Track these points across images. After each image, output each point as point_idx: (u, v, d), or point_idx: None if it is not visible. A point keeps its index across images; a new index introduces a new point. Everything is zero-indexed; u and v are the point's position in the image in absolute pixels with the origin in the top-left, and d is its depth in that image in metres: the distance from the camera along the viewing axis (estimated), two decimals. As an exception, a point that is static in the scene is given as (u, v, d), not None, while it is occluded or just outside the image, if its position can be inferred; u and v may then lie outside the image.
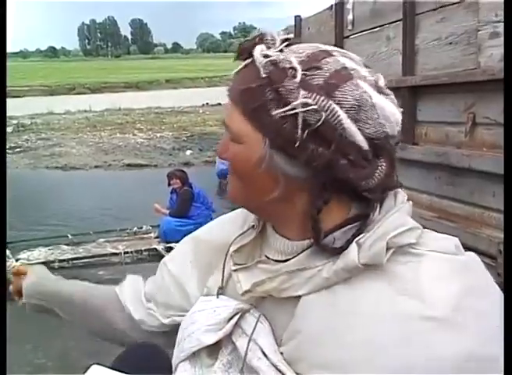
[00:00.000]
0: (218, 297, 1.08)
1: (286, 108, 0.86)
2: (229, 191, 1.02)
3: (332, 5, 4.96)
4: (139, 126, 24.62)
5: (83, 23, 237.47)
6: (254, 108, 0.90)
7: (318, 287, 0.93)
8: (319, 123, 0.86)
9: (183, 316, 1.12)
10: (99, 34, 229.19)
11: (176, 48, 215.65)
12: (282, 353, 0.95)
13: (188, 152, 18.66)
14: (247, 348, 0.98)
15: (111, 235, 8.81)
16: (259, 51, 0.91)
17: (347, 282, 0.91)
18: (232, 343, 1.01)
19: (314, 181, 0.91)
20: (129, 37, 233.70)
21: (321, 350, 0.90)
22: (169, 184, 8.87)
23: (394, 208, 0.95)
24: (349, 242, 0.92)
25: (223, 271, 1.10)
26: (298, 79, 0.87)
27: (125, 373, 0.86)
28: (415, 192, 3.65)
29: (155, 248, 8.01)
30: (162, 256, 6.12)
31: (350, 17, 4.59)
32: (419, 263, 0.89)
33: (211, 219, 6.37)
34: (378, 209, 0.94)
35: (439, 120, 3.52)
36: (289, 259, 0.97)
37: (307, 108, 0.85)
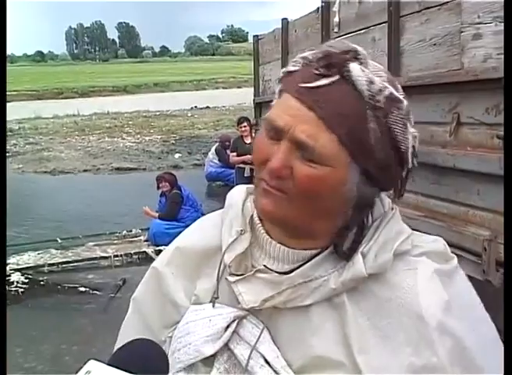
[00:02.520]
0: (214, 306, 1.05)
1: (408, 146, 0.93)
2: (273, 207, 0.94)
3: (318, 8, 4.99)
4: (127, 129, 24.54)
5: (70, 27, 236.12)
6: (353, 135, 0.88)
7: (324, 297, 0.94)
8: (407, 150, 0.94)
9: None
10: (86, 38, 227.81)
11: (164, 51, 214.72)
12: (288, 361, 0.96)
13: (177, 155, 18.62)
14: (249, 355, 0.97)
15: (100, 239, 8.81)
16: (358, 71, 0.89)
17: (353, 291, 0.94)
18: (229, 350, 1.00)
19: (370, 199, 0.95)
20: (117, 40, 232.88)
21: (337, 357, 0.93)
22: (158, 187, 8.87)
23: (387, 214, 0.98)
24: (352, 250, 0.93)
25: (218, 280, 1.06)
26: (404, 111, 0.92)
27: (121, 368, 0.87)
28: (401, 192, 3.68)
29: (145, 251, 8.02)
30: (152, 259, 6.13)
31: (336, 19, 4.63)
32: (415, 274, 0.94)
33: (201, 221, 6.24)
34: (370, 216, 0.97)
35: (424, 120, 3.55)
36: (292, 270, 0.97)
37: (414, 138, 0.94)
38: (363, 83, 0.88)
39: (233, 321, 1.00)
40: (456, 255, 3.25)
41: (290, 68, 0.96)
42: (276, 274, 0.98)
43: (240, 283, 1.01)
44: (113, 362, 0.89)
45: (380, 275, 0.93)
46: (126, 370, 0.87)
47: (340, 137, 0.88)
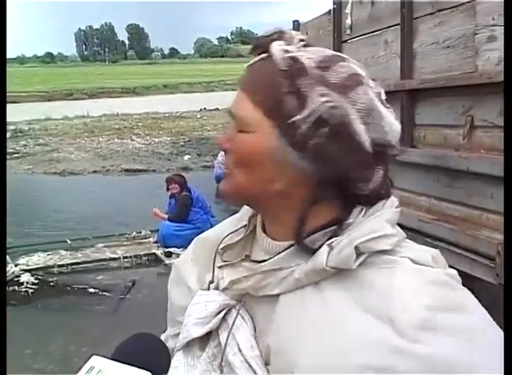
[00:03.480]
0: (208, 289, 1.10)
1: (308, 108, 0.89)
2: (225, 186, 1.02)
3: (330, 10, 4.97)
4: (137, 131, 24.65)
5: (79, 28, 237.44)
6: (268, 99, 0.93)
7: (290, 287, 0.94)
8: (333, 120, 0.89)
9: None
10: (96, 40, 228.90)
11: (173, 53, 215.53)
12: (261, 350, 0.97)
13: (186, 157, 18.69)
14: (226, 342, 1.00)
15: (110, 240, 8.84)
16: (277, 45, 0.94)
17: (317, 285, 0.93)
18: (218, 336, 1.04)
19: (314, 176, 0.93)
20: (127, 42, 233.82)
21: (287, 354, 0.91)
22: (168, 189, 8.88)
23: (377, 212, 0.95)
24: (320, 243, 0.93)
25: (213, 266, 1.12)
26: (316, 75, 0.90)
27: (124, 362, 0.88)
28: (414, 195, 3.67)
29: (154, 253, 8.03)
30: (161, 261, 6.17)
31: (348, 22, 4.61)
32: (391, 272, 0.88)
33: (210, 223, 6.46)
34: (362, 213, 0.96)
35: (437, 123, 3.53)
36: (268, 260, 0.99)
37: (324, 104, 0.88)
38: (277, 54, 0.93)
39: (224, 309, 1.04)
40: (469, 258, 3.22)
41: None
42: (254, 262, 1.03)
43: (226, 270, 1.08)
44: (116, 357, 0.90)
45: (353, 271, 0.89)
46: (128, 364, 0.88)
47: (257, 103, 0.94)
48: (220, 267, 1.09)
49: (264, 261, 1.00)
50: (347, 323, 0.87)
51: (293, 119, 0.90)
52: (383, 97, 0.96)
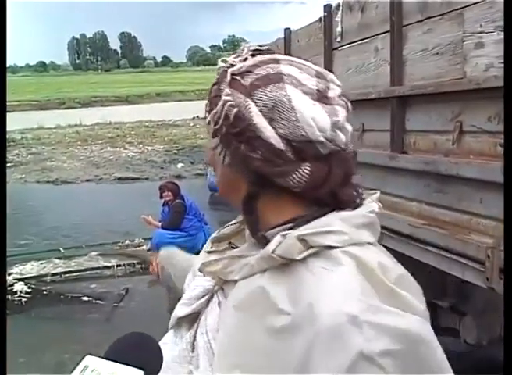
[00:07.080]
0: (194, 275, 1.15)
1: (215, 110, 0.98)
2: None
3: (320, 18, 5.00)
4: (130, 139, 24.63)
5: (72, 37, 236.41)
6: (207, 109, 1.02)
7: (246, 274, 0.97)
8: (233, 118, 0.95)
9: None
10: (89, 48, 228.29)
11: (166, 61, 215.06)
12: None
13: (179, 165, 18.70)
14: (198, 322, 1.06)
15: (103, 248, 8.82)
16: (221, 62, 1.03)
17: (263, 274, 0.94)
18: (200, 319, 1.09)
19: (245, 176, 0.99)
20: (119, 50, 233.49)
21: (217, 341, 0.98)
22: (161, 197, 8.86)
23: (341, 213, 0.96)
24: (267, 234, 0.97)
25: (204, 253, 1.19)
26: (228, 80, 0.98)
27: (118, 361, 0.90)
28: (405, 200, 3.69)
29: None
30: (155, 268, 5.96)
31: (338, 29, 4.64)
32: (329, 274, 0.89)
33: (204, 231, 6.38)
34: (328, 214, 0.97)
35: (427, 129, 3.56)
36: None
37: (225, 104, 0.96)
38: (219, 65, 1.03)
39: (207, 293, 1.08)
40: (460, 263, 3.25)
41: None
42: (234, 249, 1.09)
43: (212, 255, 1.12)
44: (109, 355, 0.92)
45: (296, 266, 0.91)
46: (121, 363, 0.89)
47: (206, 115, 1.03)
48: (209, 252, 1.15)
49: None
50: (284, 316, 0.88)
51: (207, 120, 1.00)
52: (331, 94, 0.96)
